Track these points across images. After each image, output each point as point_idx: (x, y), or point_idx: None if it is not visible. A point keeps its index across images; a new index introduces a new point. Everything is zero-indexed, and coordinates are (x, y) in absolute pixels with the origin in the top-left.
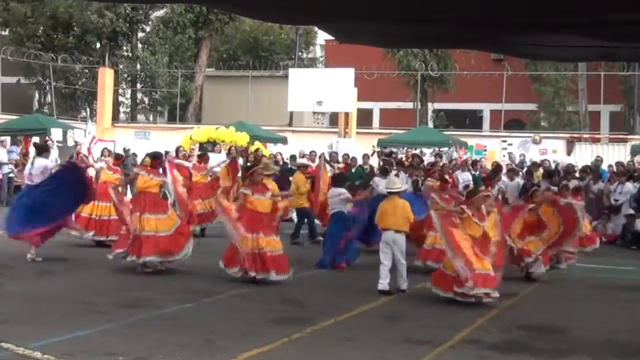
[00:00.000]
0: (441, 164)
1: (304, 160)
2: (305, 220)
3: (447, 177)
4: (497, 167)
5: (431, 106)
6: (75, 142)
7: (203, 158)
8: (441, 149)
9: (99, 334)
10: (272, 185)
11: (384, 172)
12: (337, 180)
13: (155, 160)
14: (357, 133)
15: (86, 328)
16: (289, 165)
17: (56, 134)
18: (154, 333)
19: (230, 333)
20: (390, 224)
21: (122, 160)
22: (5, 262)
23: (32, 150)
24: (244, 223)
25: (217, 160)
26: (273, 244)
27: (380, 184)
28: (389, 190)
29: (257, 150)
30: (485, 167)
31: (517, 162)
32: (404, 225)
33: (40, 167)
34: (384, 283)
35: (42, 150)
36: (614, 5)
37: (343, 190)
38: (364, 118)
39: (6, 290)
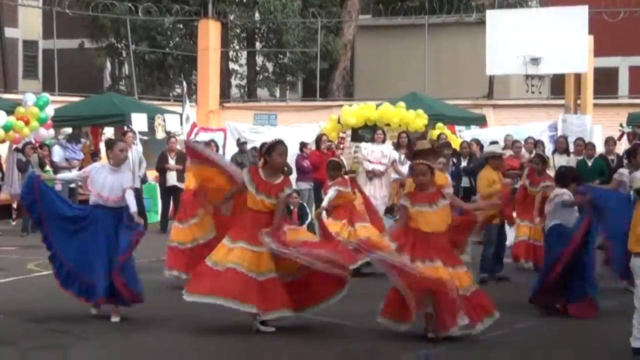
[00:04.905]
0: None
1: (497, 148)
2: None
3: None
4: None
5: None
6: (168, 133)
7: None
8: None
9: None
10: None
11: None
12: (563, 177)
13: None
14: (596, 105)
15: None
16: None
17: (139, 121)
18: None
19: None
20: (631, 243)
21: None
22: (74, 315)
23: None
24: (408, 251)
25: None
26: (462, 279)
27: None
28: (635, 189)
29: (439, 136)
30: None
31: None
32: None
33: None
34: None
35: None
36: None
37: (564, 190)
38: (606, 82)
39: (74, 356)
